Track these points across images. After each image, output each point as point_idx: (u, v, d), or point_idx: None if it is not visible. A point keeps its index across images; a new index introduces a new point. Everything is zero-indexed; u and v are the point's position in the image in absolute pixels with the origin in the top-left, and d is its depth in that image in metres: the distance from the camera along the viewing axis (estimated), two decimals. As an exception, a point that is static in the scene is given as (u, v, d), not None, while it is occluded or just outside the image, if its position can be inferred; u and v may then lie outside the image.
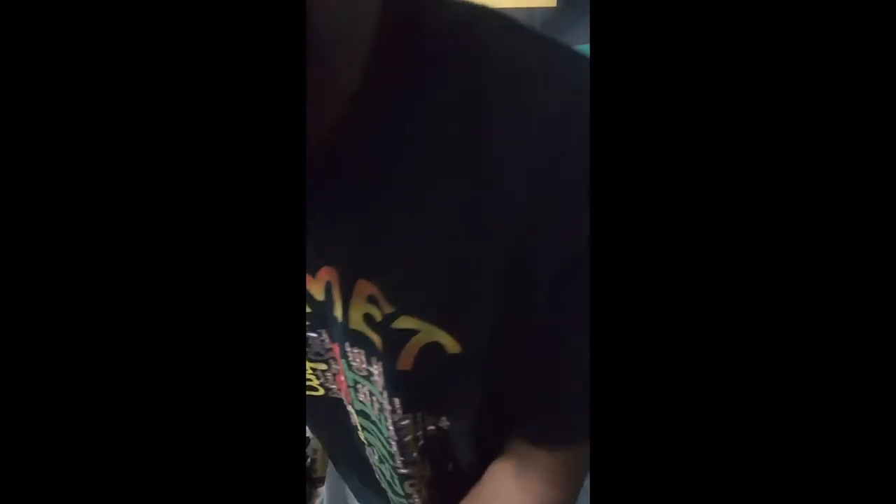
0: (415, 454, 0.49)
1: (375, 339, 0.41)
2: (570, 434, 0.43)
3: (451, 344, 0.39)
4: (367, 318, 0.41)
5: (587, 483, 0.49)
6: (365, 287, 0.40)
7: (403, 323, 0.40)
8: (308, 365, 0.48)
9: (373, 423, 0.49)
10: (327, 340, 0.46)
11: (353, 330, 0.42)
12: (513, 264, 0.36)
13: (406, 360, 0.41)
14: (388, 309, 0.40)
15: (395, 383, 0.43)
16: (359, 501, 0.69)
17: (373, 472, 0.56)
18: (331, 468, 0.77)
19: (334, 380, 0.49)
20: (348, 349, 0.44)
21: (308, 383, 0.50)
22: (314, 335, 0.46)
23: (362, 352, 0.43)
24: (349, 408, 0.50)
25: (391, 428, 0.46)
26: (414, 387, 0.43)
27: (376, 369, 0.43)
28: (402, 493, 0.54)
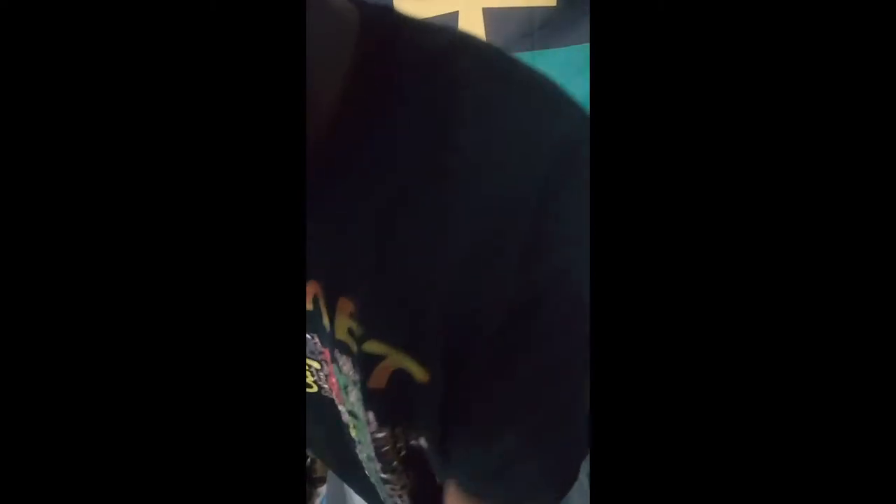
0: (395, 463, 0.49)
1: (357, 352, 0.42)
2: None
3: (418, 372, 0.39)
4: (350, 332, 0.41)
5: (587, 484, 0.49)
6: (346, 304, 0.40)
7: (371, 347, 0.40)
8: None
9: (362, 423, 0.49)
10: (319, 345, 0.46)
11: (339, 340, 0.42)
12: (477, 295, 0.36)
13: (378, 381, 0.41)
14: (360, 331, 0.40)
15: (370, 399, 0.43)
16: (360, 496, 0.69)
17: (363, 467, 0.57)
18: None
19: (327, 380, 0.49)
20: (337, 355, 0.44)
21: None
22: (308, 337, 0.46)
23: (349, 360, 0.43)
24: (340, 407, 0.50)
25: (369, 437, 0.47)
26: (388, 403, 0.43)
27: (360, 378, 0.43)
28: (386, 493, 0.54)
